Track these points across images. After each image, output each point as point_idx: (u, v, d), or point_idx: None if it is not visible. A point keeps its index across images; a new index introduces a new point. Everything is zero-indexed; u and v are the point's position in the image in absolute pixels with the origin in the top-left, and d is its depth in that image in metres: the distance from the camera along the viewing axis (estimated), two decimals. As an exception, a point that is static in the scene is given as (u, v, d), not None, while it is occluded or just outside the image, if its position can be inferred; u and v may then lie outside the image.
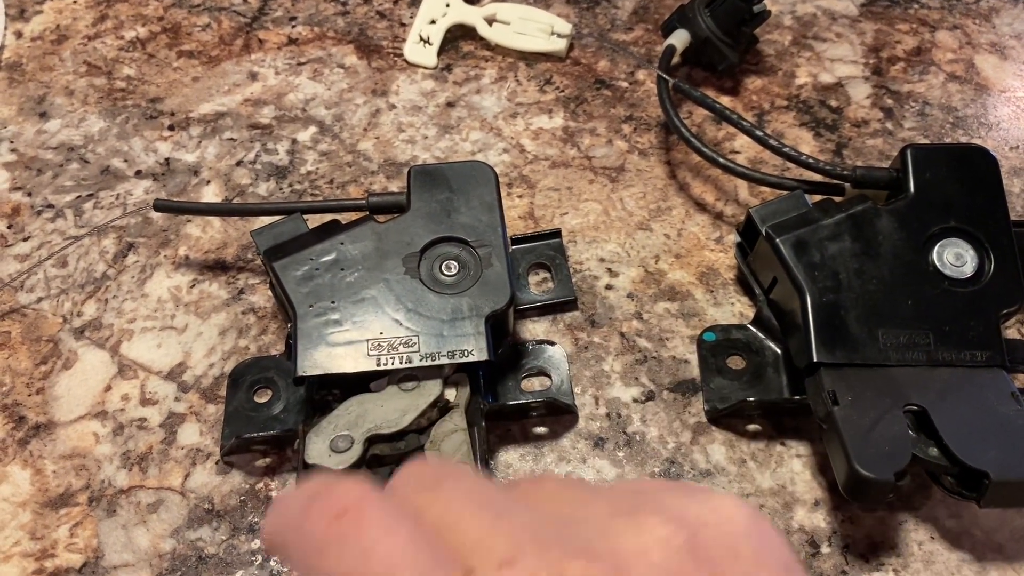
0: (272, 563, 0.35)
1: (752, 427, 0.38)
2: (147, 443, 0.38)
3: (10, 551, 0.36)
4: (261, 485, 0.37)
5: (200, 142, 0.48)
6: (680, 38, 0.48)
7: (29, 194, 0.46)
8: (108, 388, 0.40)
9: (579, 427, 0.38)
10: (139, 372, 0.40)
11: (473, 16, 0.52)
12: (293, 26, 0.54)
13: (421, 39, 0.51)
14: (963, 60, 0.51)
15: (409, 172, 0.39)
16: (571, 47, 0.52)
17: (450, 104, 0.50)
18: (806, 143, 0.48)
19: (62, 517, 0.36)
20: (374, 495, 0.20)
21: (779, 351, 0.39)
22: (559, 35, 0.51)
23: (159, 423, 0.39)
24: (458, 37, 0.53)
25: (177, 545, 0.36)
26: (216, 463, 0.38)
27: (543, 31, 0.51)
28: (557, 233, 0.43)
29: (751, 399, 0.37)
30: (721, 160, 0.42)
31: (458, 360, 0.35)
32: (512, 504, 0.21)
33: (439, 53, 0.52)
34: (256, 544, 0.35)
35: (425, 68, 0.51)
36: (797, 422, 0.38)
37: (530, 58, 0.52)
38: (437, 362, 0.35)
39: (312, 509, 0.20)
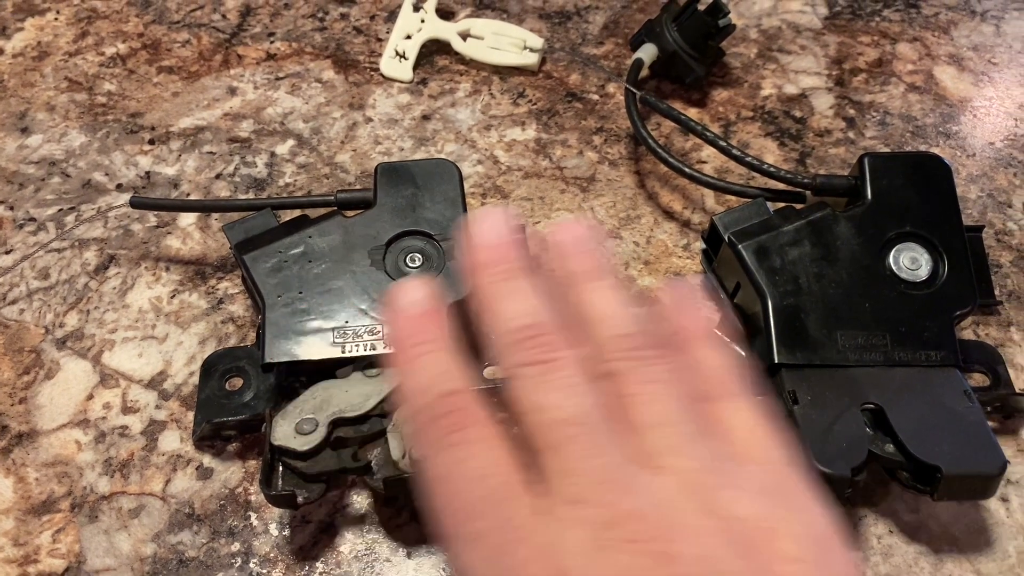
0: (251, 564, 0.36)
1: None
2: (128, 450, 0.39)
3: (-6, 557, 0.36)
4: (240, 490, 0.38)
5: (180, 156, 0.49)
6: (648, 52, 0.49)
7: (11, 208, 0.47)
8: (90, 397, 0.41)
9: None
10: (120, 381, 0.41)
11: (448, 31, 0.53)
12: (271, 42, 0.55)
13: (397, 54, 0.53)
14: (923, 71, 0.53)
15: (376, 169, 0.41)
16: (543, 61, 0.53)
17: (425, 117, 0.51)
18: (771, 152, 0.49)
19: (45, 523, 0.37)
20: None
21: (744, 354, 0.41)
22: (531, 50, 0.52)
23: (140, 430, 0.40)
24: (433, 52, 0.54)
25: (158, 549, 0.36)
26: (197, 469, 0.38)
27: (516, 46, 0.52)
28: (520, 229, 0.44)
29: None
30: (687, 170, 0.43)
31: None
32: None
33: (415, 67, 0.53)
34: (236, 547, 0.36)
35: (401, 82, 0.52)
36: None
37: (503, 72, 0.53)
38: None
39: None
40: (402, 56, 0.53)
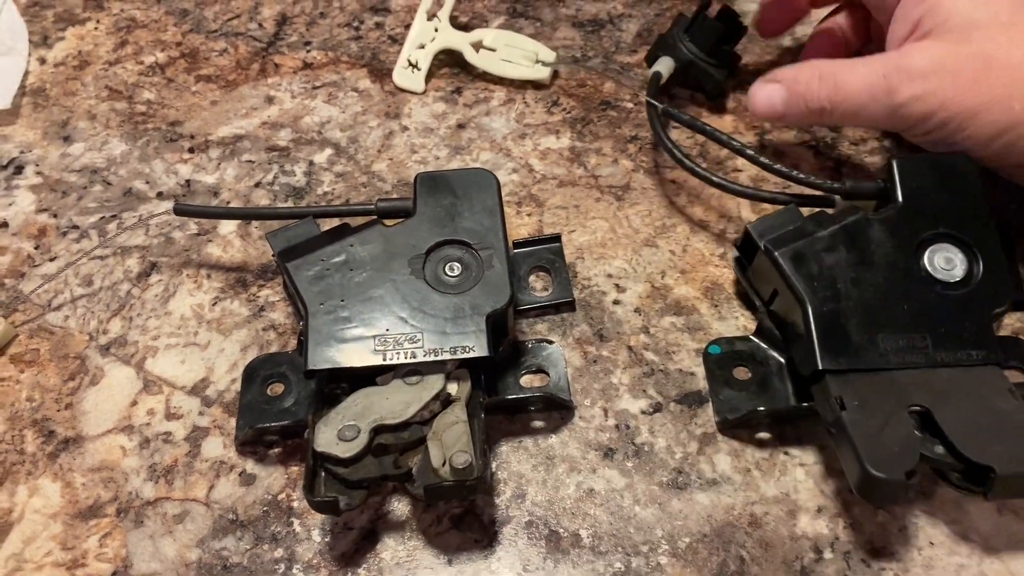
0: (295, 570, 0.36)
1: (761, 435, 0.40)
2: (172, 456, 0.40)
3: (42, 561, 0.37)
4: (283, 496, 0.38)
5: (219, 164, 0.50)
6: (665, 65, 0.49)
7: (55, 215, 0.48)
8: (134, 403, 0.41)
9: (589, 438, 0.40)
10: (164, 387, 0.42)
11: (461, 42, 0.53)
12: (308, 51, 0.56)
13: (410, 63, 0.53)
14: (959, 79, 0.53)
15: (416, 179, 0.41)
16: (556, 74, 0.53)
17: (460, 126, 0.51)
18: (806, 161, 0.49)
19: (92, 528, 0.38)
20: None
21: (782, 360, 0.41)
22: (544, 63, 0.52)
23: (184, 437, 0.40)
24: (447, 63, 0.54)
25: (203, 554, 0.37)
26: (240, 475, 0.39)
27: (528, 59, 0.52)
28: (557, 238, 0.45)
29: (760, 408, 0.39)
30: (715, 179, 0.43)
31: (459, 356, 0.37)
32: None
33: (427, 79, 0.53)
34: (279, 553, 0.37)
35: (412, 93, 0.53)
36: (799, 432, 0.40)
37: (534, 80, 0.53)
38: (440, 357, 0.37)
39: None
40: (415, 66, 0.53)
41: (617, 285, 0.45)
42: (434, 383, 0.37)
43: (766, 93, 0.45)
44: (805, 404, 0.38)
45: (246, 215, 0.46)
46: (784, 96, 0.44)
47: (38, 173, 0.50)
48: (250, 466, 0.39)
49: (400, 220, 0.41)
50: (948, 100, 0.39)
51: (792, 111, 0.44)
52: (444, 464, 0.35)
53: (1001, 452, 0.34)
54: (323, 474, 0.35)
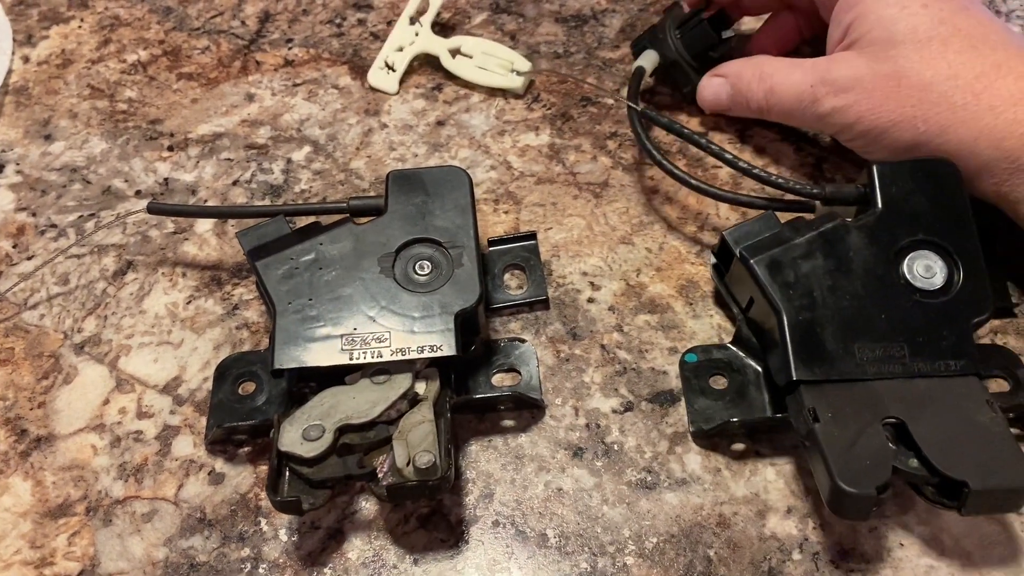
0: (261, 570, 0.36)
1: (736, 446, 0.39)
2: (143, 455, 0.40)
3: (11, 559, 0.37)
4: (251, 495, 0.38)
5: (198, 162, 0.50)
6: (649, 59, 0.49)
7: (34, 214, 0.48)
8: (106, 402, 0.41)
9: (559, 437, 0.39)
10: (136, 386, 0.42)
11: (439, 47, 0.53)
12: (289, 48, 0.55)
13: (386, 65, 0.53)
14: (944, 73, 0.52)
15: (388, 176, 0.41)
16: (531, 84, 0.53)
17: (440, 123, 0.51)
18: (787, 157, 0.49)
19: (61, 527, 0.38)
20: None
21: (760, 369, 0.40)
22: (518, 72, 0.52)
23: (154, 435, 0.40)
24: (424, 66, 0.54)
25: (170, 553, 0.37)
26: (209, 474, 0.39)
27: (504, 67, 0.52)
28: (533, 236, 0.45)
29: (735, 420, 0.38)
30: (692, 181, 0.43)
31: (427, 355, 0.36)
32: None
33: (401, 81, 0.53)
34: (246, 552, 0.37)
35: (386, 93, 0.53)
36: (771, 433, 0.39)
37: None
38: (407, 356, 0.36)
39: None
40: (391, 68, 0.53)
41: (592, 283, 0.44)
42: (401, 382, 0.37)
43: (713, 88, 0.47)
44: (780, 415, 0.37)
45: (218, 213, 0.46)
46: (729, 92, 0.46)
47: (18, 172, 0.50)
48: (219, 465, 0.39)
49: (372, 218, 0.41)
50: (863, 115, 0.41)
51: (736, 107, 0.46)
52: (408, 464, 0.35)
53: (976, 467, 0.33)
54: (288, 474, 0.35)
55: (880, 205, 0.39)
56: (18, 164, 0.50)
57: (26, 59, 0.56)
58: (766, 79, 0.44)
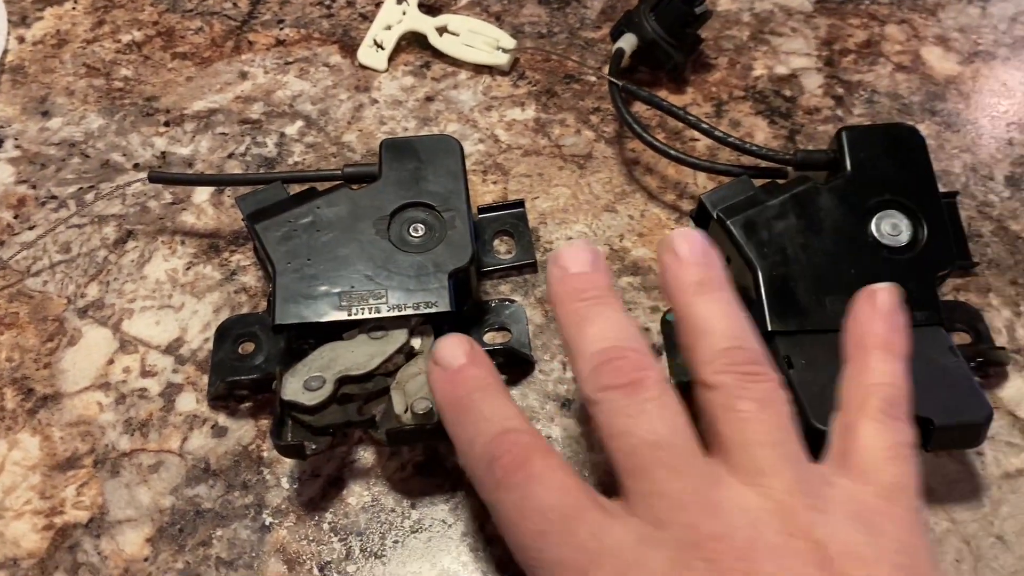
0: (264, 515, 0.38)
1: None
2: (147, 411, 0.41)
3: (21, 509, 0.38)
4: (253, 447, 0.40)
5: (194, 136, 0.51)
6: (628, 42, 0.51)
7: (34, 187, 0.49)
8: (111, 362, 0.43)
9: (548, 390, 0.41)
10: (139, 347, 0.43)
11: (426, 25, 0.55)
12: (281, 28, 0.57)
13: (375, 43, 0.55)
14: (910, 52, 0.55)
15: (381, 145, 0.43)
16: (516, 61, 0.55)
17: (429, 98, 0.53)
18: (761, 130, 0.51)
19: (69, 478, 0.39)
20: None
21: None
22: (504, 50, 0.54)
23: (158, 392, 0.42)
24: (412, 44, 0.56)
25: (176, 501, 0.39)
26: (212, 427, 0.41)
27: (489, 45, 0.54)
28: (521, 204, 0.47)
29: None
30: (672, 152, 0.45)
31: (423, 311, 0.38)
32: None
33: (390, 59, 0.55)
34: (249, 499, 0.38)
35: (375, 71, 0.54)
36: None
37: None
38: (403, 313, 0.38)
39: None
40: (379, 46, 0.55)
41: (577, 248, 0.46)
42: (398, 337, 0.39)
43: None
44: None
45: (218, 181, 0.47)
46: None
47: (17, 147, 0.51)
48: (222, 419, 0.41)
49: (366, 185, 0.42)
50: None
51: None
52: (406, 411, 0.36)
53: (940, 405, 0.35)
54: (290, 422, 0.37)
55: (849, 168, 0.41)
56: (16, 139, 0.52)
57: (21, 39, 0.57)
58: None
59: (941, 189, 0.42)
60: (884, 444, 0.30)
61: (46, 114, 0.53)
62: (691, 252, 0.33)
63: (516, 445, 0.28)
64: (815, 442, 0.35)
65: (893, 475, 0.29)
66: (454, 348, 0.32)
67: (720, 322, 0.31)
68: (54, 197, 0.49)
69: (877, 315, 0.33)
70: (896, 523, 0.27)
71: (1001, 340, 0.42)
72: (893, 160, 0.41)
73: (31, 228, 0.48)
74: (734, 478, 0.27)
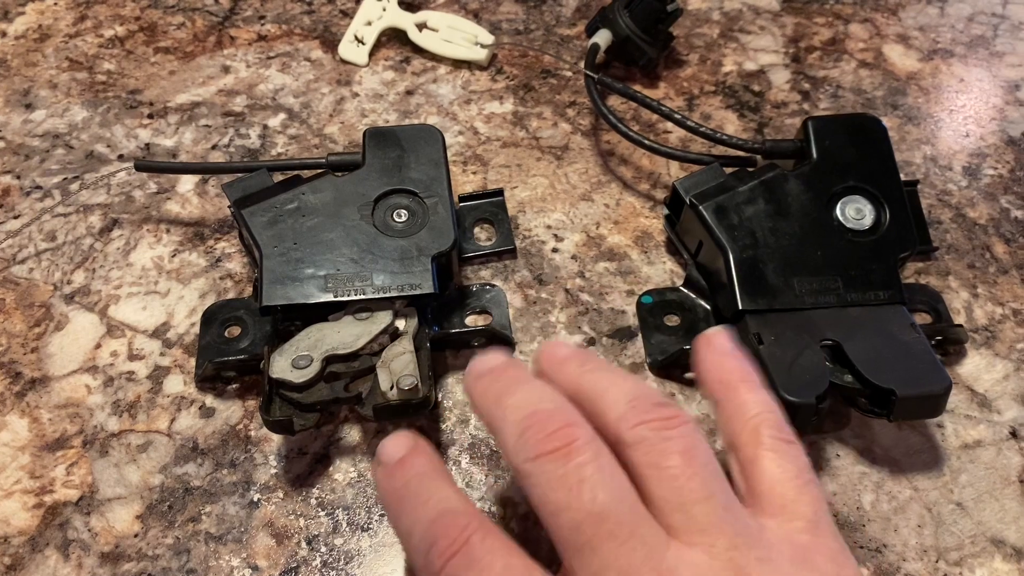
0: (252, 492, 0.39)
1: (689, 375, 0.43)
2: (135, 393, 0.42)
3: (11, 488, 0.39)
4: (241, 427, 0.41)
5: (178, 128, 0.52)
6: (603, 37, 0.53)
7: (18, 177, 0.50)
8: (98, 346, 0.43)
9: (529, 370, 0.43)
10: (126, 331, 0.44)
11: (406, 21, 0.56)
12: (262, 24, 0.58)
13: (356, 39, 0.56)
14: (873, 49, 0.57)
15: (365, 133, 0.44)
16: (494, 57, 0.56)
17: (409, 92, 0.54)
18: (731, 123, 0.53)
19: (59, 458, 0.40)
20: None
21: (708, 307, 0.44)
22: (482, 45, 0.56)
23: (146, 375, 0.42)
24: (392, 39, 0.57)
25: (165, 479, 0.39)
26: (200, 408, 0.41)
27: (468, 41, 0.55)
28: (500, 192, 0.48)
29: (687, 347, 0.42)
30: (646, 142, 0.47)
31: (407, 293, 0.39)
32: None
33: (371, 53, 0.56)
34: (237, 476, 0.39)
35: (356, 65, 0.56)
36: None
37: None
38: (388, 295, 0.39)
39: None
40: (360, 41, 0.56)
41: (556, 235, 0.48)
42: (383, 318, 0.40)
43: None
44: None
45: (204, 169, 0.48)
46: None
47: (1, 138, 0.52)
48: (209, 400, 0.42)
49: (350, 172, 0.44)
50: None
51: None
52: (392, 388, 0.38)
53: (902, 377, 0.37)
54: (278, 400, 0.38)
55: (815, 156, 0.43)
56: (0, 131, 0.52)
57: (3, 33, 0.58)
58: None
59: (903, 178, 0.44)
60: (789, 475, 0.30)
61: (29, 106, 0.54)
62: (567, 347, 0.34)
63: (453, 527, 0.27)
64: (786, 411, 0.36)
65: (809, 505, 0.29)
66: (396, 444, 0.31)
67: (612, 383, 0.31)
68: (39, 187, 0.50)
69: (723, 356, 0.34)
70: (826, 555, 0.28)
71: (960, 319, 0.45)
72: (857, 148, 0.43)
73: (16, 217, 0.48)
74: (678, 539, 0.27)
